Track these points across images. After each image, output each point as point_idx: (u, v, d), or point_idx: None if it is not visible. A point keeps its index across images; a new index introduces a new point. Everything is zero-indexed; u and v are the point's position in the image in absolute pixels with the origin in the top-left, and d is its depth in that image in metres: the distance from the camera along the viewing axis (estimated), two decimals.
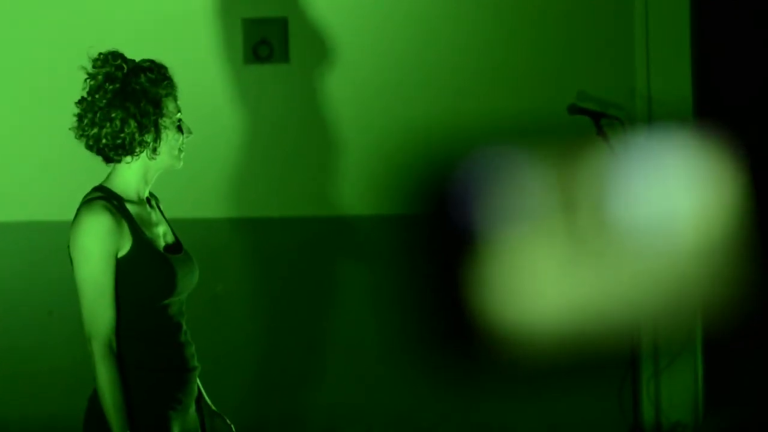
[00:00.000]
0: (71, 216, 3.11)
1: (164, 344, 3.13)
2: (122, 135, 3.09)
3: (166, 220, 3.27)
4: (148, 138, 3.11)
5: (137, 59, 3.16)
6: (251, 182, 5.13)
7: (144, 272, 3.07)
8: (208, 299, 5.07)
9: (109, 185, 3.13)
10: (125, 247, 3.06)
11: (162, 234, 3.19)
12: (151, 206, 3.20)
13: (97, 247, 3.03)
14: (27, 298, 5.19)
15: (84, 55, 3.19)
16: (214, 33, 5.12)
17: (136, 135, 3.10)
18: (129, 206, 3.11)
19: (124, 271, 3.06)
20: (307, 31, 5.13)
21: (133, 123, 3.09)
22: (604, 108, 4.78)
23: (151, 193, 3.27)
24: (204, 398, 3.29)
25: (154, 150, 3.11)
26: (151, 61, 3.15)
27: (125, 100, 3.09)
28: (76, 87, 3.20)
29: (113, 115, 3.09)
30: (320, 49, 5.12)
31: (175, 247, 3.20)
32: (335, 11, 5.12)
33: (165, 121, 3.12)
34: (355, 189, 5.09)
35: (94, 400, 3.12)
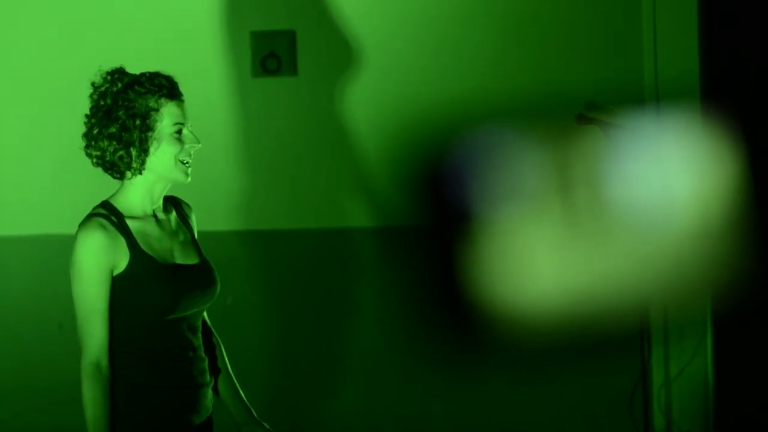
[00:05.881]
0: None
1: (167, 361, 3.09)
2: (107, 154, 3.09)
3: (189, 230, 3.24)
4: (134, 153, 3.09)
5: (148, 71, 3.16)
6: (259, 195, 5.14)
7: (142, 289, 3.05)
8: (218, 311, 5.07)
9: (113, 201, 3.13)
10: (121, 264, 3.04)
11: (174, 247, 3.17)
12: (157, 220, 3.17)
13: (88, 264, 3.02)
14: (37, 311, 5.20)
15: (93, 65, 3.21)
16: (222, 46, 5.13)
17: (120, 152, 3.08)
18: (130, 222, 3.09)
19: (122, 288, 3.04)
20: (316, 44, 5.14)
21: (114, 141, 3.08)
22: (612, 117, 4.77)
23: (178, 204, 3.25)
24: (248, 408, 3.27)
25: (142, 163, 3.09)
26: (147, 73, 3.14)
27: (109, 117, 3.08)
28: (86, 99, 3.21)
29: (96, 132, 3.10)
30: (328, 62, 5.13)
31: (191, 260, 3.17)
32: (343, 24, 5.13)
33: (153, 134, 3.09)
34: (363, 201, 5.09)
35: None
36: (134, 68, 3.27)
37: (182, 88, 3.24)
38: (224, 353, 3.35)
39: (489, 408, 5.10)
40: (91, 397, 3.02)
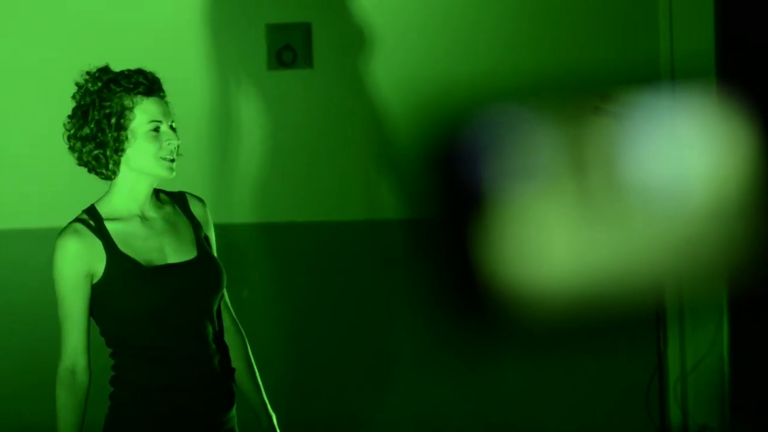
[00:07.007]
0: None
1: (161, 362, 3.04)
2: (83, 155, 3.07)
3: (191, 225, 3.19)
4: (108, 152, 3.06)
5: (128, 69, 3.14)
6: (275, 187, 5.14)
7: (123, 290, 3.01)
8: (233, 304, 5.08)
9: (97, 204, 3.10)
10: (99, 268, 3.01)
11: (164, 245, 3.12)
12: (144, 219, 3.12)
13: (62, 272, 3.01)
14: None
15: (111, 62, 3.20)
16: (238, 39, 5.14)
17: (96, 152, 3.05)
18: (111, 224, 3.04)
19: (104, 291, 3.01)
20: (331, 36, 5.14)
21: (88, 142, 3.05)
22: (627, 108, 4.75)
23: (182, 199, 3.22)
24: (269, 415, 3.25)
25: (116, 163, 3.06)
26: (126, 71, 3.10)
27: (86, 118, 3.06)
28: None
29: (72, 134, 3.08)
30: (344, 54, 5.13)
31: (186, 256, 3.12)
32: (359, 16, 5.13)
33: (127, 133, 3.05)
34: (379, 193, 5.09)
35: (113, 398, 3.10)
36: (150, 63, 3.26)
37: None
38: (247, 351, 3.27)
39: (508, 399, 5.10)
40: (63, 403, 3.01)
